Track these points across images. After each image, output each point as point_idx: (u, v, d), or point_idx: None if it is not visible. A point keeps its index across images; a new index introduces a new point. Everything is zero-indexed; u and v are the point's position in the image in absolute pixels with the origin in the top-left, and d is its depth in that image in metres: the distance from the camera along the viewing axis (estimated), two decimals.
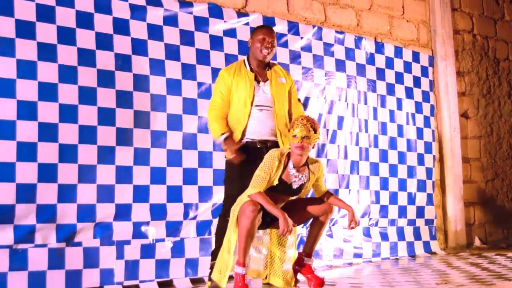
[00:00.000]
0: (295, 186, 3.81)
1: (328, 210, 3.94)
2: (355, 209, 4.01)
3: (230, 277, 3.77)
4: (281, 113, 4.12)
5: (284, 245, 4.01)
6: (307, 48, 5.57)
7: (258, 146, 4.03)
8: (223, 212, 4.06)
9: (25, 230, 3.85)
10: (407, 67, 6.47)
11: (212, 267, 4.07)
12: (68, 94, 4.08)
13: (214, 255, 4.07)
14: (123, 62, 4.37)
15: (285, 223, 3.58)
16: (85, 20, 4.24)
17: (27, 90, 3.93)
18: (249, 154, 3.97)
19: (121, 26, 4.41)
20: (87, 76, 4.18)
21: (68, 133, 4.05)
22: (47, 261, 3.90)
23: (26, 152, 3.88)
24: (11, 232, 3.79)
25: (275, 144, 4.07)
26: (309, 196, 4.25)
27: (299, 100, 4.35)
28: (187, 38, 4.74)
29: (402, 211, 6.18)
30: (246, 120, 4.03)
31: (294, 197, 3.98)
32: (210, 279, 4.04)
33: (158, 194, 4.43)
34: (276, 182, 3.72)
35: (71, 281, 3.97)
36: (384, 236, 5.95)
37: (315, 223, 4.00)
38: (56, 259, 3.94)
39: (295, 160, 3.77)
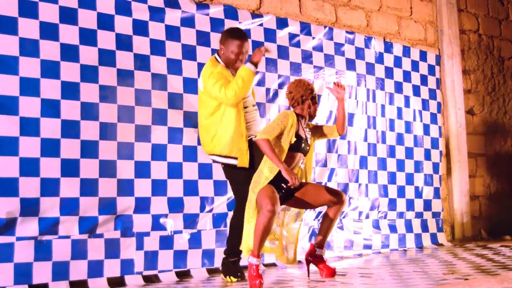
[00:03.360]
0: (309, 141, 3.96)
1: (338, 201, 3.93)
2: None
3: (245, 267, 3.77)
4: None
5: (298, 222, 4.08)
6: (319, 48, 5.52)
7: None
8: (236, 208, 4.04)
9: (49, 222, 3.85)
10: (415, 66, 6.41)
11: (225, 262, 4.04)
12: (89, 92, 4.07)
13: (229, 249, 4.05)
14: (142, 62, 4.35)
15: (287, 173, 3.64)
16: (106, 22, 4.22)
17: (50, 89, 3.91)
18: (254, 155, 3.94)
19: (140, 27, 4.38)
20: (107, 76, 4.16)
21: (89, 130, 4.04)
22: (70, 252, 3.90)
23: (50, 148, 3.87)
24: (36, 224, 3.79)
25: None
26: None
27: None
28: (203, 38, 4.71)
29: (410, 204, 6.13)
30: (244, 122, 3.95)
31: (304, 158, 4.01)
32: (226, 275, 4.03)
33: (175, 188, 4.40)
34: (294, 139, 3.79)
35: (93, 271, 3.97)
36: (393, 228, 5.90)
37: (326, 216, 3.98)
38: (79, 250, 3.93)
39: (306, 117, 4.01)
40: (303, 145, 3.88)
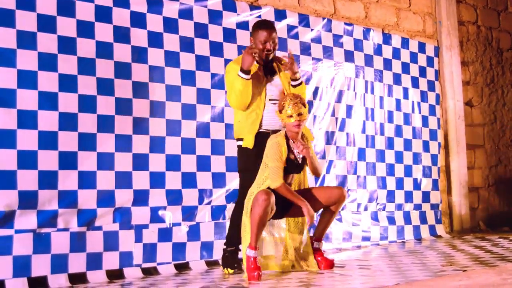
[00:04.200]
0: (300, 161, 3.85)
1: (338, 199, 3.90)
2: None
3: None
4: None
5: (301, 232, 4.02)
6: (317, 40, 5.49)
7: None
8: (238, 200, 4.02)
9: (48, 215, 3.83)
10: (413, 57, 6.38)
11: (224, 253, 4.04)
12: (86, 85, 4.03)
13: (231, 239, 4.04)
14: (140, 55, 4.32)
15: (308, 212, 3.64)
16: (103, 14, 4.18)
17: (48, 81, 3.89)
18: (263, 143, 3.91)
19: (138, 20, 4.35)
20: (105, 68, 4.13)
21: (87, 123, 4.01)
22: (69, 244, 3.88)
23: (48, 140, 3.85)
24: (34, 216, 3.77)
25: None
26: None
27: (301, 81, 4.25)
28: (201, 30, 4.68)
29: (409, 196, 6.12)
30: (262, 113, 3.97)
31: (299, 173, 3.98)
32: (224, 267, 4.02)
33: (173, 180, 4.39)
34: (284, 164, 3.73)
35: (92, 263, 3.95)
36: (391, 220, 5.90)
37: (326, 211, 3.97)
38: (77, 243, 3.92)
39: (293, 137, 3.81)
40: (295, 166, 3.84)
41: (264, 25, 4.05)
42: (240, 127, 4.02)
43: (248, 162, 3.97)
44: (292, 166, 3.82)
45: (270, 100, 4.03)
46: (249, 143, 3.95)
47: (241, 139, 4.02)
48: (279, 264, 3.97)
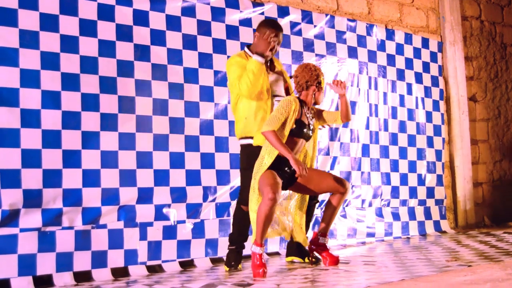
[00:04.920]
0: (311, 126, 3.90)
1: (341, 188, 3.90)
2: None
3: (248, 256, 3.74)
4: None
5: (303, 209, 4.04)
6: (320, 36, 5.47)
7: None
8: (239, 200, 4.01)
9: (53, 214, 3.83)
10: (417, 53, 6.35)
11: (229, 251, 4.03)
12: (89, 84, 4.03)
13: (231, 238, 4.04)
14: (142, 52, 4.31)
15: (295, 163, 3.64)
16: (106, 12, 4.17)
17: (51, 80, 3.88)
18: None
19: (141, 18, 4.34)
20: (107, 67, 4.12)
21: (90, 121, 4.01)
22: (73, 243, 3.88)
23: (51, 139, 3.85)
24: (39, 215, 3.77)
25: None
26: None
27: (291, 77, 4.22)
28: (204, 28, 4.67)
29: (413, 192, 6.10)
30: (270, 110, 3.96)
31: (308, 142, 4.01)
32: (227, 265, 4.02)
33: (177, 178, 4.38)
34: (294, 125, 3.76)
35: (97, 262, 3.95)
36: (396, 216, 5.88)
37: (329, 204, 3.96)
38: (82, 241, 3.92)
39: (310, 103, 3.96)
40: (305, 130, 3.85)
41: (273, 25, 4.04)
42: (247, 124, 3.95)
43: (249, 162, 3.90)
44: (302, 129, 3.82)
45: (273, 96, 4.02)
46: (260, 140, 3.90)
47: (247, 137, 3.97)
48: (276, 230, 3.98)
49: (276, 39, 3.96)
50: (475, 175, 6.84)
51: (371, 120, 5.81)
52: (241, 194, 4.00)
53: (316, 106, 4.13)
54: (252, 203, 3.70)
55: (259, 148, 3.86)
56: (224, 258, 4.15)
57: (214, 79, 4.65)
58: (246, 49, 4.09)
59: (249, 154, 3.94)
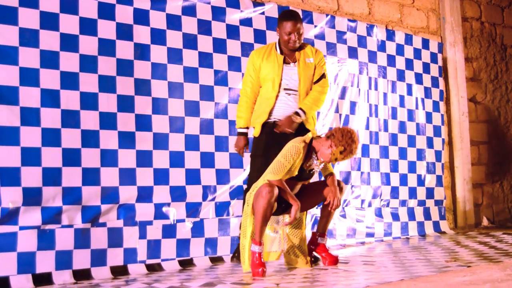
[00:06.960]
0: (310, 172, 3.82)
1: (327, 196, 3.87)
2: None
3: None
4: (304, 93, 4.08)
5: (300, 227, 3.96)
6: (321, 36, 5.45)
7: None
8: (248, 187, 4.01)
9: (52, 212, 3.81)
10: (417, 54, 6.33)
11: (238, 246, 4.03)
12: (88, 82, 4.01)
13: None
14: (142, 51, 4.29)
15: (295, 213, 3.60)
16: (106, 11, 4.15)
17: (50, 79, 3.86)
18: (274, 134, 3.96)
19: (141, 17, 4.32)
20: (107, 65, 4.10)
21: (89, 120, 3.99)
22: (73, 241, 3.86)
23: (51, 137, 3.83)
24: (39, 213, 3.75)
25: (299, 125, 4.03)
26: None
27: (324, 75, 4.18)
28: (204, 27, 4.65)
29: (413, 192, 6.08)
30: (273, 102, 4.00)
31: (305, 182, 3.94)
32: (232, 257, 4.03)
33: (177, 177, 4.36)
34: (296, 172, 3.70)
35: (96, 260, 3.93)
36: (395, 216, 5.86)
37: (327, 205, 3.93)
38: (81, 239, 3.90)
39: (323, 155, 3.71)
40: (304, 176, 3.81)
41: (289, 16, 4.01)
42: (253, 114, 4.09)
43: (257, 149, 4.04)
44: (302, 175, 3.79)
45: (284, 89, 4.01)
46: (256, 132, 4.04)
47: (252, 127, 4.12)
48: (270, 253, 3.93)
49: (290, 36, 3.96)
50: (474, 176, 6.82)
51: (371, 121, 5.79)
52: (249, 180, 4.05)
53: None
54: (248, 204, 3.66)
55: (256, 137, 4.04)
56: (224, 257, 4.13)
57: (214, 78, 4.63)
58: (277, 42, 4.11)
59: (253, 142, 4.10)
